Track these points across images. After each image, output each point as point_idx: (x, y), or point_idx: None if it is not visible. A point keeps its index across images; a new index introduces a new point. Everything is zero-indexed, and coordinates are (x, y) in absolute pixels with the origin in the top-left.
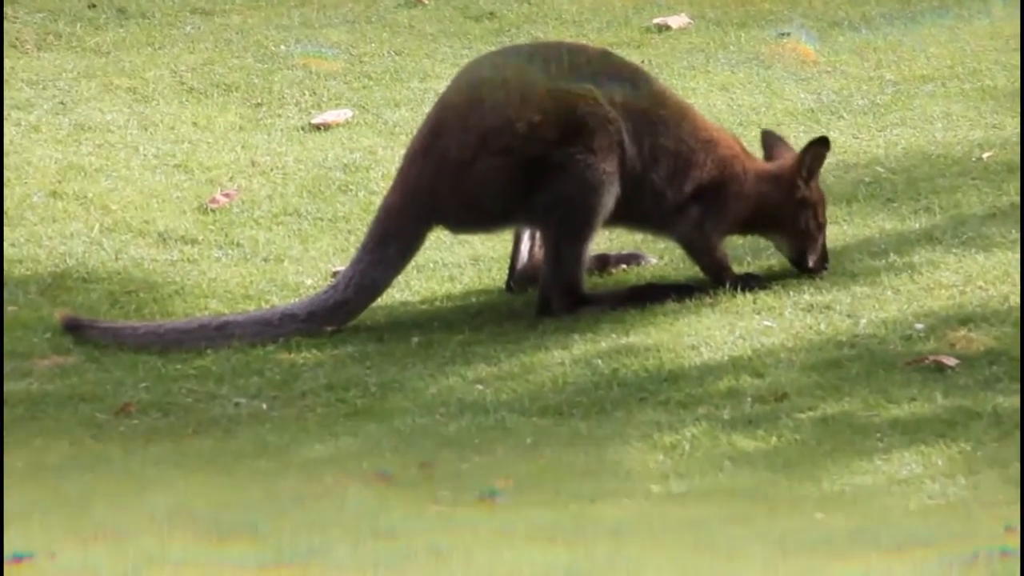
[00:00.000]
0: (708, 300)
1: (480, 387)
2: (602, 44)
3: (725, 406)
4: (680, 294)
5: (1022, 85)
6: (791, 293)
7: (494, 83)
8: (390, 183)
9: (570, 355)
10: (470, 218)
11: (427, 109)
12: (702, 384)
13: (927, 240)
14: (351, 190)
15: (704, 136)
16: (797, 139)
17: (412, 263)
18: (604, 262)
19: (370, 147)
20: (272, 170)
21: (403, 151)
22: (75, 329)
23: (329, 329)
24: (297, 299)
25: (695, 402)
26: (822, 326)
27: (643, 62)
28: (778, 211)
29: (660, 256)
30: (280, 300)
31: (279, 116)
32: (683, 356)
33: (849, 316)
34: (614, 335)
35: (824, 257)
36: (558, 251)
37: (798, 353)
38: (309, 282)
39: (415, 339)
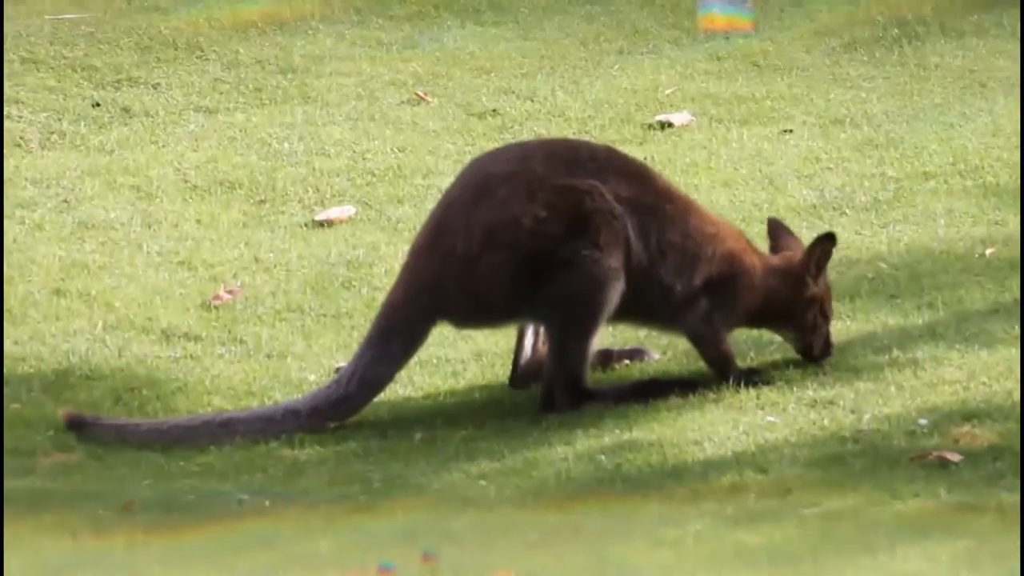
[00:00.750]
0: (711, 395)
1: (483, 482)
2: (605, 141)
3: (729, 501)
4: (683, 389)
5: (1022, 179)
6: (795, 389)
7: (499, 178)
8: (393, 279)
9: (573, 450)
10: (475, 313)
11: (430, 205)
12: (706, 479)
13: (930, 336)
14: (354, 286)
15: (711, 230)
16: (800, 235)
17: (415, 358)
18: (607, 358)
19: (373, 243)
20: (275, 267)
21: (406, 247)
22: (78, 426)
23: (332, 425)
24: (299, 395)
25: (699, 497)
26: (826, 421)
27: (646, 159)
28: (786, 306)
29: (663, 351)
30: (283, 397)
31: (282, 213)
32: (686, 451)
33: (853, 412)
34: (617, 430)
35: (829, 345)
36: (562, 346)
37: (802, 448)
38: (312, 378)
39: (418, 435)
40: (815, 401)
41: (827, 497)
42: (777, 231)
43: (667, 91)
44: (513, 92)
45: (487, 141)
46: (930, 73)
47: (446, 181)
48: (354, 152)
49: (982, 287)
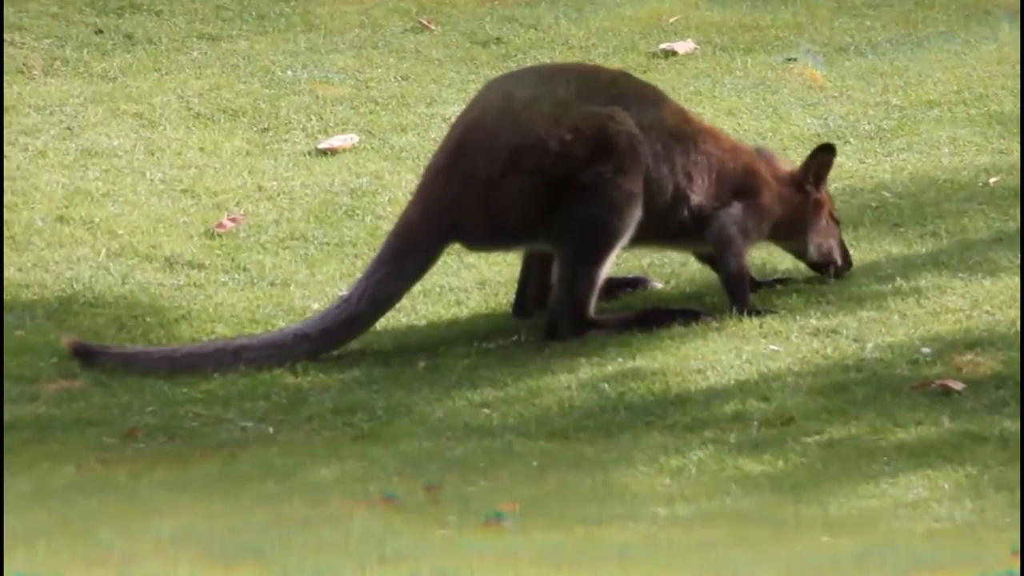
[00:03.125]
0: (714, 324)
1: (486, 411)
2: None
3: (731, 430)
4: (686, 318)
5: (1022, 108)
6: (798, 317)
7: (522, 102)
8: (397, 208)
9: (576, 379)
10: (491, 235)
11: (434, 134)
12: (708, 408)
13: (933, 265)
14: (357, 215)
15: (729, 147)
16: None
17: (419, 287)
18: (610, 287)
19: (376, 172)
20: (278, 195)
21: (410, 176)
22: (85, 356)
23: (338, 349)
24: (304, 320)
25: (701, 426)
26: (828, 350)
27: None
28: (799, 215)
29: (666, 280)
30: (287, 324)
31: (286, 141)
32: (689, 380)
33: (856, 340)
34: (620, 359)
35: (846, 256)
36: (574, 272)
37: (804, 377)
38: (315, 306)
39: (421, 363)
40: (818, 330)
41: (829, 425)
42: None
43: (671, 19)
44: (517, 20)
45: (491, 69)
46: (934, 0)
47: (450, 110)
48: (357, 80)
49: (986, 216)
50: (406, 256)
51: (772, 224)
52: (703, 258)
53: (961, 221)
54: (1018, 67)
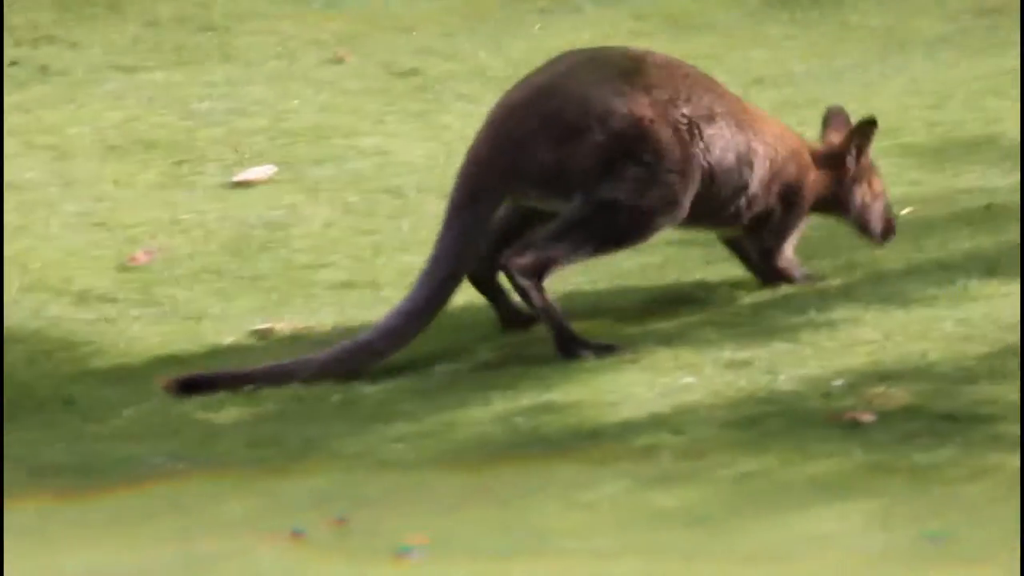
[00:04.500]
0: (629, 357)
1: (399, 445)
2: None
3: (644, 463)
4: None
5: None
6: (711, 349)
7: (609, 73)
8: (312, 241)
9: (490, 412)
10: (551, 182)
11: (351, 165)
12: (622, 441)
13: (846, 297)
14: (273, 248)
15: (778, 131)
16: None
17: (333, 321)
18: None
19: (292, 204)
20: (193, 228)
21: (327, 208)
22: (190, 388)
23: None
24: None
25: (614, 459)
26: (742, 382)
27: None
28: (838, 189)
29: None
30: (199, 360)
31: (201, 173)
32: (603, 413)
33: (769, 372)
34: (534, 392)
35: (889, 225)
36: (573, 241)
37: (718, 410)
38: (228, 341)
39: (335, 396)
40: (731, 362)
41: (742, 458)
42: (832, 119)
43: None
44: (434, 51)
45: (408, 101)
46: (850, 32)
47: (367, 141)
48: (274, 112)
49: (898, 248)
50: (479, 197)
51: (813, 202)
52: (733, 244)
53: (874, 253)
54: (930, 99)
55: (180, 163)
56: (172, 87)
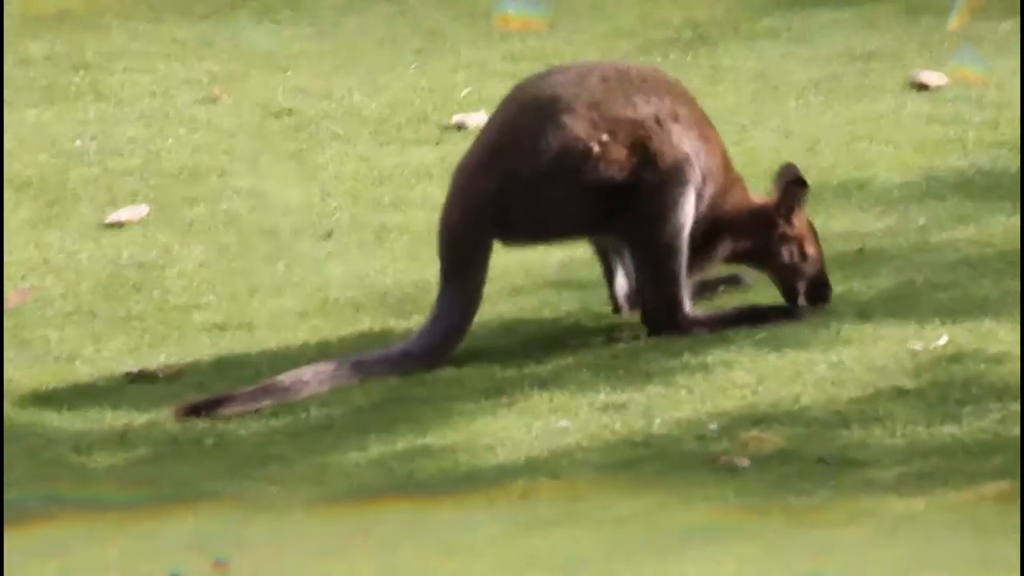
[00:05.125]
0: (504, 400)
1: (275, 488)
2: (401, 141)
3: (521, 507)
4: (783, 316)
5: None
6: (587, 393)
7: (559, 102)
8: (186, 281)
9: (366, 456)
10: (537, 231)
11: (225, 205)
12: (499, 484)
13: (720, 340)
14: (146, 289)
15: (730, 163)
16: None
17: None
18: (703, 287)
19: (166, 244)
20: (66, 268)
21: (200, 248)
22: (199, 411)
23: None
24: (405, 339)
25: (492, 503)
26: (617, 426)
27: (443, 159)
28: (764, 246)
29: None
30: (72, 401)
31: (73, 213)
32: (480, 456)
33: (644, 416)
34: (411, 435)
35: (819, 290)
36: (654, 273)
37: (594, 453)
38: (102, 384)
39: (209, 439)
40: (607, 405)
41: (618, 501)
42: (783, 175)
43: (463, 92)
44: (309, 91)
45: (283, 140)
46: (723, 75)
47: (241, 181)
48: (148, 151)
49: (772, 290)
50: (463, 259)
51: (734, 252)
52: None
53: (747, 297)
54: (803, 142)
55: (52, 203)
56: (44, 126)
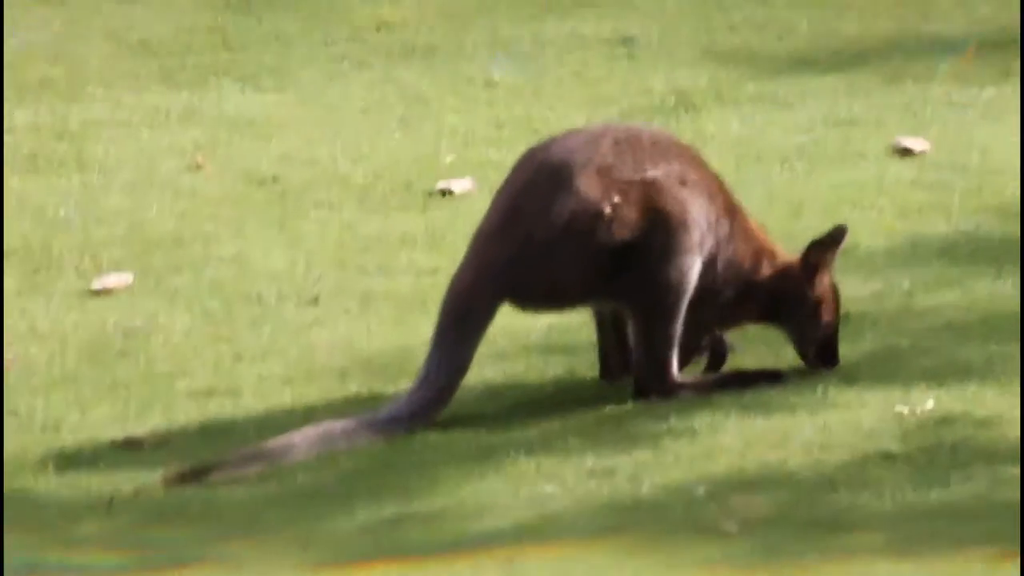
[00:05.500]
0: (491, 465)
1: (262, 555)
2: (386, 208)
3: (508, 572)
4: (770, 381)
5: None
6: (574, 458)
7: (573, 167)
8: (171, 349)
9: (353, 522)
10: (548, 297)
11: (210, 272)
12: (485, 550)
13: (706, 404)
14: (131, 356)
15: (749, 224)
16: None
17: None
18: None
19: (151, 312)
20: (50, 336)
21: (186, 315)
22: (192, 479)
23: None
24: (393, 403)
25: (478, 569)
26: (605, 491)
27: (427, 227)
28: (785, 305)
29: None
30: (58, 469)
31: (58, 281)
32: (466, 522)
33: (632, 481)
34: (398, 501)
35: (828, 355)
36: (649, 335)
37: (581, 518)
38: (88, 451)
39: (196, 507)
40: (594, 470)
41: (607, 567)
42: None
43: (448, 158)
44: (294, 159)
45: (268, 207)
46: (707, 142)
47: (226, 248)
48: (132, 220)
49: (757, 354)
50: (465, 321)
51: (757, 313)
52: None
53: (734, 360)
54: (787, 208)
55: (37, 271)
56: (28, 194)
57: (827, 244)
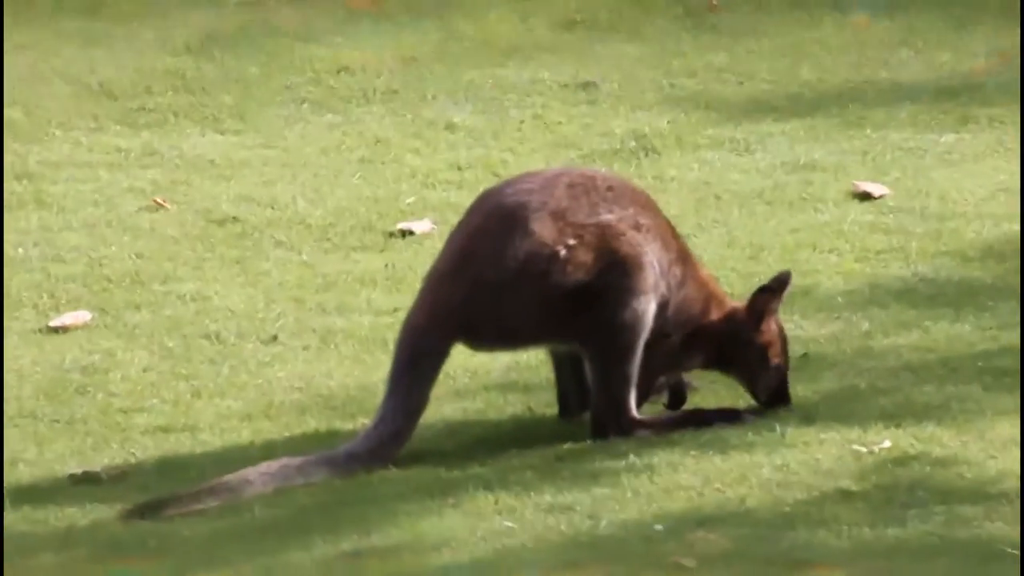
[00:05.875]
0: (450, 501)
1: None
2: (346, 248)
3: None
4: (727, 420)
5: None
6: (532, 494)
7: (527, 209)
8: (129, 385)
9: (310, 557)
10: (501, 337)
11: (168, 311)
12: None
13: (665, 442)
14: (89, 392)
15: (704, 274)
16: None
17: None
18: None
19: (109, 349)
20: (8, 372)
21: (144, 353)
22: (147, 513)
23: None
24: (350, 441)
25: None
26: (563, 527)
27: (387, 266)
28: (734, 351)
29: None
30: (15, 504)
31: (16, 319)
32: (425, 557)
33: (590, 517)
34: (355, 536)
35: (779, 396)
36: (606, 374)
37: (539, 554)
38: (45, 486)
39: (153, 542)
40: (553, 506)
41: None
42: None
43: (408, 200)
44: (253, 199)
45: (227, 248)
46: (667, 185)
47: (185, 287)
48: (90, 258)
49: (716, 394)
50: (420, 361)
51: (705, 358)
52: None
53: (693, 399)
54: (747, 250)
55: None
56: None
57: (773, 290)
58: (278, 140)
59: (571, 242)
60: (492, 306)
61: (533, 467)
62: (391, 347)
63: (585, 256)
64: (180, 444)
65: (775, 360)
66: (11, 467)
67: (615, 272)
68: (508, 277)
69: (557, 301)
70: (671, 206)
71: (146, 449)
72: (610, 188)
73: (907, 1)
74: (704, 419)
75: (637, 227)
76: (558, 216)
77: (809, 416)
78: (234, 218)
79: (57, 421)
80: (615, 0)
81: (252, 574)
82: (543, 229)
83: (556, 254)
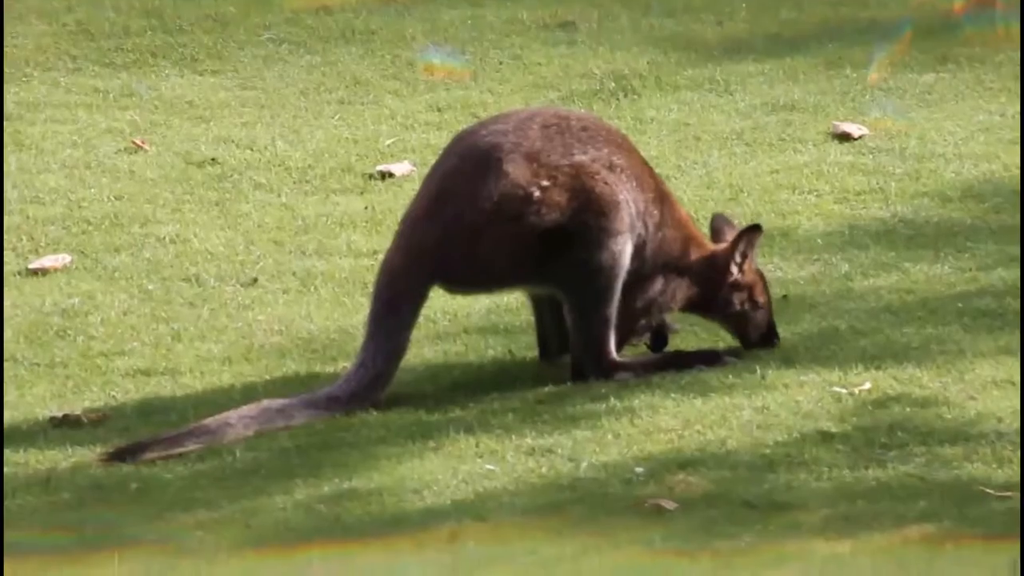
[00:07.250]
0: (431, 444)
1: (200, 532)
2: (326, 191)
3: (448, 550)
4: (708, 362)
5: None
6: (513, 437)
7: (501, 150)
8: (110, 328)
9: (292, 500)
10: (477, 279)
11: (148, 254)
12: (425, 528)
13: (646, 385)
14: (69, 335)
15: (678, 215)
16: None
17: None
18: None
19: (89, 292)
20: None
21: (123, 295)
22: (127, 456)
23: (369, 407)
24: (331, 384)
25: (419, 546)
26: (544, 469)
27: (367, 208)
28: (713, 293)
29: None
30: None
31: None
32: (406, 500)
33: (571, 459)
34: (336, 479)
35: (770, 334)
36: (585, 316)
37: (520, 496)
38: (25, 428)
39: (133, 484)
40: (533, 449)
41: (545, 545)
42: (719, 224)
43: (388, 141)
44: (232, 141)
45: (206, 190)
46: (646, 126)
47: (164, 229)
48: (70, 200)
49: (697, 336)
50: (400, 305)
51: (687, 300)
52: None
53: (674, 341)
54: (726, 192)
55: None
56: None
57: (752, 231)
58: (256, 81)
59: (545, 183)
60: (467, 248)
61: (514, 410)
62: (370, 290)
63: (559, 197)
64: (161, 387)
65: (761, 298)
66: None
67: (589, 212)
68: (482, 219)
69: (532, 242)
70: (650, 147)
71: (127, 392)
72: (584, 128)
73: None
74: (684, 361)
75: (611, 167)
76: (532, 157)
77: (789, 358)
78: (213, 160)
79: (37, 364)
80: None
81: (233, 517)
82: (517, 170)
83: (530, 195)
